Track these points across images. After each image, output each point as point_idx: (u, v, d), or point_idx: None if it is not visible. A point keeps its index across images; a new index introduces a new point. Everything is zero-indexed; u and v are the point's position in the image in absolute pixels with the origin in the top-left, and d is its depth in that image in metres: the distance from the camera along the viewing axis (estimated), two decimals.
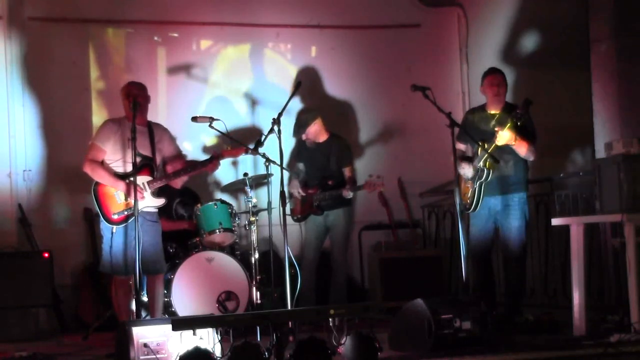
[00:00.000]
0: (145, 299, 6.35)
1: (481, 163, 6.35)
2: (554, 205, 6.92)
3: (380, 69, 8.75)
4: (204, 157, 7.18)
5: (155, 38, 8.27)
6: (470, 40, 8.92)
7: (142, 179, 6.02)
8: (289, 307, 5.93)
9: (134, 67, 8.09)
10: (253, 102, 8.42)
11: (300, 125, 7.49)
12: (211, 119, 6.29)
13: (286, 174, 6.78)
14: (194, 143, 8.11)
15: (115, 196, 6.00)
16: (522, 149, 6.38)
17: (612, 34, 6.88)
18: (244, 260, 6.84)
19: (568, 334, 5.87)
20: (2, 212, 7.66)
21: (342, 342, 5.05)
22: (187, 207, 7.32)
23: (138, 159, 5.87)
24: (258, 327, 5.83)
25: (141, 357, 4.87)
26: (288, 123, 7.26)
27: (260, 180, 7.02)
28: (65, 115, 7.91)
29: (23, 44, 7.82)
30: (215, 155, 6.35)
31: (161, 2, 8.28)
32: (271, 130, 6.17)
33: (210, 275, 6.65)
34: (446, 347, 5.21)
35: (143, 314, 6.27)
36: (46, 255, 7.14)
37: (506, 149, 6.35)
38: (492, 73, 6.64)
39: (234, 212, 6.98)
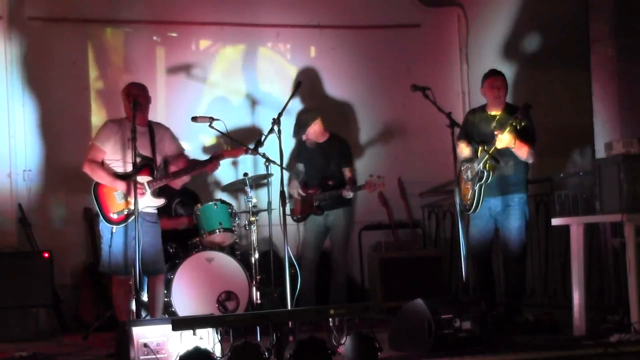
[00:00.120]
0: (145, 299, 6.35)
1: (481, 165, 6.34)
2: (554, 206, 6.91)
3: (380, 69, 8.74)
4: (203, 157, 7.16)
5: (155, 38, 8.27)
6: (470, 40, 8.91)
7: (142, 179, 6.01)
8: (289, 307, 5.92)
9: (133, 67, 8.09)
10: (253, 102, 8.41)
11: (300, 126, 7.49)
12: (211, 119, 6.28)
13: (286, 174, 6.79)
14: (193, 143, 8.08)
15: (115, 196, 6.00)
16: (522, 152, 6.36)
17: (612, 34, 6.88)
18: (244, 260, 6.84)
19: (568, 334, 5.86)
20: (2, 212, 7.65)
21: (342, 342, 5.05)
22: (186, 207, 7.30)
23: (138, 159, 5.87)
24: (258, 327, 5.82)
25: (141, 357, 4.87)
26: (288, 123, 7.26)
27: (260, 181, 7.03)
28: (65, 115, 7.90)
29: (23, 44, 7.82)
30: (215, 155, 6.35)
31: (160, 2, 8.27)
32: (271, 131, 6.16)
33: (210, 275, 6.65)
34: (446, 347, 5.20)
35: (143, 314, 6.27)
36: (46, 255, 7.13)
37: (506, 150, 6.34)
38: (493, 75, 6.61)
39: (234, 212, 6.97)
